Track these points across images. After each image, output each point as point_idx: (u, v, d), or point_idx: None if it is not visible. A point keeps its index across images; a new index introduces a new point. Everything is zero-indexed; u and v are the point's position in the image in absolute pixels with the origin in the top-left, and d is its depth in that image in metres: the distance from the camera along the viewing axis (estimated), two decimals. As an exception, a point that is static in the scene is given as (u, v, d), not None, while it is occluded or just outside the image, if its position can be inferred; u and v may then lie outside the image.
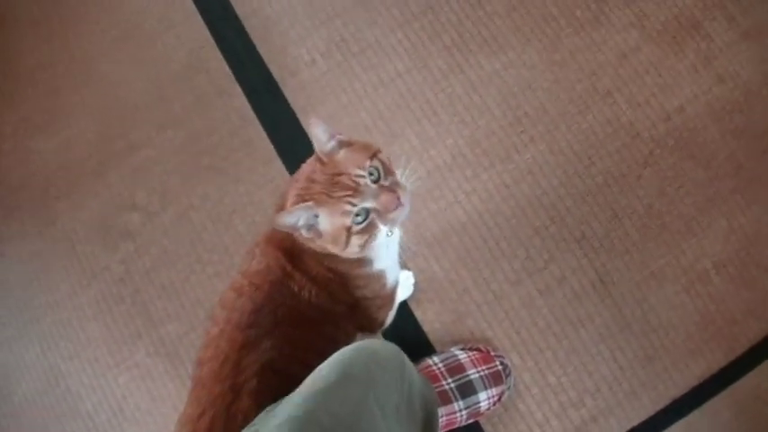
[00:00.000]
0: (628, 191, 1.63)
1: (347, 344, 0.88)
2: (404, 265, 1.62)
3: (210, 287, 1.71)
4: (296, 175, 1.07)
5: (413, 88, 1.74)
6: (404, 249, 1.24)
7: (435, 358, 1.51)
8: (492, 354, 1.51)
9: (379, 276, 1.22)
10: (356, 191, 0.98)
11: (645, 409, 1.53)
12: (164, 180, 1.81)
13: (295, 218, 1.00)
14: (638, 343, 1.55)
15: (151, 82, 1.89)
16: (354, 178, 0.99)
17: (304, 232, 1.02)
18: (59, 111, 1.94)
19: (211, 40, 1.88)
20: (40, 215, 1.88)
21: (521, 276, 1.61)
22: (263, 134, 1.77)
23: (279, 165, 1.74)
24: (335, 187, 0.98)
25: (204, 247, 1.74)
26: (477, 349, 1.50)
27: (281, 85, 1.80)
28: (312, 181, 1.01)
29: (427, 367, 1.49)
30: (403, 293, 1.57)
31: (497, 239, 1.63)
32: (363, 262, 1.12)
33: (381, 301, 1.29)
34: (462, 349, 1.52)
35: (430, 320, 1.61)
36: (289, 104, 1.78)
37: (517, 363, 1.57)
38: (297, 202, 1.01)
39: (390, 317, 1.39)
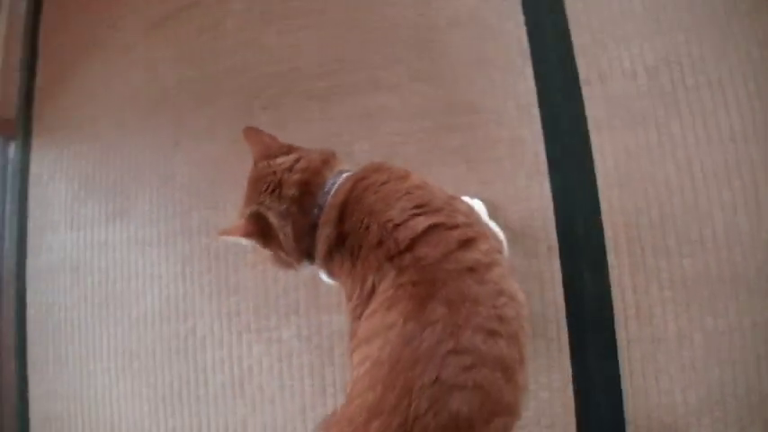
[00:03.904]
0: None
1: None
2: None
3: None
4: None
5: (755, 158, 1.27)
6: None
7: None
8: None
9: None
10: None
11: None
12: (393, 141, 1.45)
13: None
14: None
15: (423, 17, 1.50)
16: None
17: None
18: (300, 6, 1.58)
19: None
20: (238, 118, 1.56)
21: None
22: (540, 137, 1.37)
23: (545, 185, 1.34)
24: None
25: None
26: None
27: (582, 84, 1.39)
28: None
29: None
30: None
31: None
32: None
33: None
34: None
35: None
36: (583, 111, 1.37)
37: None
38: None
39: None
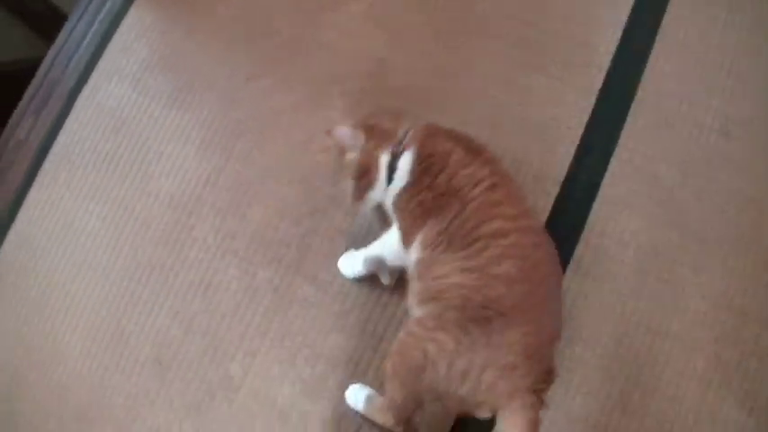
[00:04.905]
0: None
1: None
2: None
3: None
4: None
5: (684, 344, 1.52)
6: None
7: None
8: None
9: None
10: None
11: None
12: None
13: None
14: None
15: (501, 98, 1.73)
16: None
17: None
18: (413, 31, 1.80)
19: (571, 153, 1.69)
20: (315, 89, 1.77)
21: None
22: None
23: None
24: None
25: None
26: None
27: (585, 232, 1.63)
28: None
29: None
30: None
31: None
32: None
33: None
34: None
35: None
36: (573, 252, 1.62)
37: None
38: None
39: None
